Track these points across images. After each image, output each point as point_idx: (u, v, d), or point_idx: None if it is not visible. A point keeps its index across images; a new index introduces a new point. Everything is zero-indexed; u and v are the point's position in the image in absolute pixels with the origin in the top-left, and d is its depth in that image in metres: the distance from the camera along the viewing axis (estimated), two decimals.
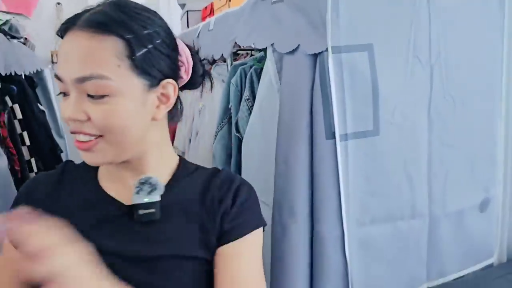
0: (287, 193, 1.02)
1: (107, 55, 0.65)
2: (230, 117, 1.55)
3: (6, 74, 1.47)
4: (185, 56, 0.78)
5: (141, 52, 0.67)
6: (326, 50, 0.94)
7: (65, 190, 0.80)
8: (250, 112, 1.30)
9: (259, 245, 0.79)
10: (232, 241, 0.75)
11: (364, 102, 0.98)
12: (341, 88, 0.96)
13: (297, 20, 1.00)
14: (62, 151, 1.88)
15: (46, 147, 1.68)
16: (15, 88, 1.53)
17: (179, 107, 0.82)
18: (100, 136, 0.68)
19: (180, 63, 0.77)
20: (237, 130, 1.44)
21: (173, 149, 0.85)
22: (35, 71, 2.06)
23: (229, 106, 1.54)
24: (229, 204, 0.77)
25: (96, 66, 0.65)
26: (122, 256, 0.72)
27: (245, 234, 0.76)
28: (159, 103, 0.73)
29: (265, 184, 1.09)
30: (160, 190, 0.75)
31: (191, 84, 0.83)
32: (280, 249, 1.03)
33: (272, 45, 1.11)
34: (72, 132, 0.68)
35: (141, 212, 0.74)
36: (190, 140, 1.84)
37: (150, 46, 0.69)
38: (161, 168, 0.79)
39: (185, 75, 0.79)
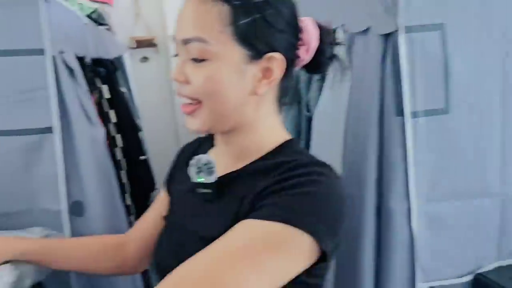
0: (355, 167, 1.06)
1: (212, 20, 0.65)
2: (300, 98, 1.60)
3: (95, 58, 1.62)
4: (309, 34, 0.72)
5: (245, 21, 0.65)
6: (398, 30, 0.97)
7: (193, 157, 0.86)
8: (320, 92, 1.34)
9: (269, 247, 0.58)
10: (244, 219, 0.62)
11: (435, 81, 1.00)
12: (412, 67, 0.99)
13: (369, 1, 1.03)
14: (141, 130, 2.02)
15: (128, 125, 1.83)
16: (103, 70, 1.68)
17: (291, 87, 0.76)
18: (200, 102, 0.69)
19: (300, 42, 0.72)
20: (308, 110, 1.49)
21: (282, 129, 0.77)
22: (117, 56, 2.22)
23: (299, 86, 1.59)
24: (270, 183, 0.65)
25: (200, 30, 0.66)
26: (183, 229, 0.75)
27: (261, 218, 0.60)
28: (261, 77, 0.69)
29: (334, 158, 1.14)
30: (207, 172, 0.72)
31: (317, 67, 0.77)
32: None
33: (342, 25, 1.15)
34: (178, 94, 0.71)
35: (199, 190, 0.73)
36: None
37: (257, 15, 0.66)
38: (258, 146, 0.74)
39: (305, 54, 0.73)
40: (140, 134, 2.12)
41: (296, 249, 0.59)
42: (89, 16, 1.73)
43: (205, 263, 0.58)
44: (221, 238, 0.60)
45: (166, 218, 0.85)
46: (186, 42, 0.67)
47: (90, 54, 1.51)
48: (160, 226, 0.86)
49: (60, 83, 1.02)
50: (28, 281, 0.92)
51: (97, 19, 1.84)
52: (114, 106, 1.72)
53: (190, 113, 0.71)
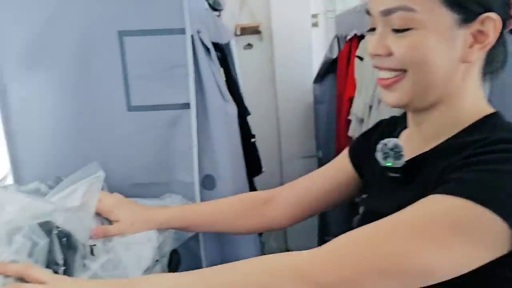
0: None
1: None
2: None
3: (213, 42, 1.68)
4: None
5: None
6: None
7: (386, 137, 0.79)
8: None
9: (453, 228, 0.54)
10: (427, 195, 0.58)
11: None
12: None
13: None
14: (249, 114, 2.06)
15: (241, 108, 1.87)
16: (219, 54, 1.73)
17: (503, 54, 0.68)
18: (403, 72, 0.66)
19: None
20: None
21: (485, 102, 0.70)
22: (227, 42, 2.28)
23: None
24: (461, 157, 0.60)
25: None
26: (375, 211, 0.72)
27: (445, 192, 0.56)
28: (473, 41, 0.63)
29: None
30: (394, 157, 0.70)
31: None
32: None
33: None
34: (375, 67, 0.69)
35: (388, 174, 0.72)
36: (370, 106, 1.86)
37: None
38: (454, 122, 0.68)
39: None
40: (248, 118, 2.17)
41: (481, 231, 0.53)
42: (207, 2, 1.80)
43: (376, 233, 0.58)
44: (401, 210, 0.58)
45: (362, 200, 0.86)
46: (387, 13, 0.64)
47: (210, 37, 1.57)
48: (321, 190, 0.89)
49: (198, 61, 1.07)
50: (168, 248, 0.98)
51: (213, 5, 1.90)
52: (228, 88, 1.78)
53: (389, 86, 0.68)
